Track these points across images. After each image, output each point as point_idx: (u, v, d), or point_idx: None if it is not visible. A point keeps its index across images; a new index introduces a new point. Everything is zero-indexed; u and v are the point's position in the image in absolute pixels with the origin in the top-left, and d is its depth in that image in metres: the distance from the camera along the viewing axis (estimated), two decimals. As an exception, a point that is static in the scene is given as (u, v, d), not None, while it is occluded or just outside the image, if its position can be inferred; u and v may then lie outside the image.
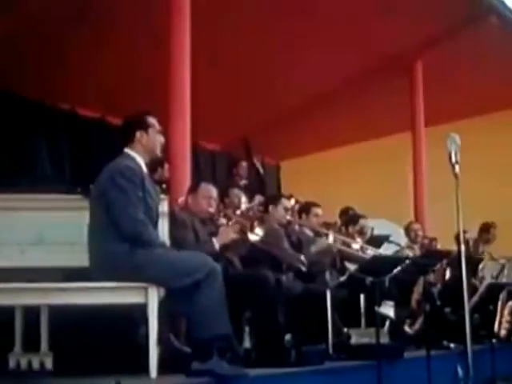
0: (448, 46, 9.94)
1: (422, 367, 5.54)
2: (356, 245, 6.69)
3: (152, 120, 4.47)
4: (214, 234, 5.19)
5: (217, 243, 5.09)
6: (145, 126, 4.41)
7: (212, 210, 5.43)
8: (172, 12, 6.72)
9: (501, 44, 9.89)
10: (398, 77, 10.47)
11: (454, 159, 4.82)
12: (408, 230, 8.75)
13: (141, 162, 4.37)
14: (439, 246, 8.78)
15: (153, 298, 4.11)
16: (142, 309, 4.13)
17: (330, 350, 5.52)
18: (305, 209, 6.98)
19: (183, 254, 4.38)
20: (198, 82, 6.63)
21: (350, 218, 7.65)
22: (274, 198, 6.76)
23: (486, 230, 9.42)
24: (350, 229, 7.30)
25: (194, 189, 5.58)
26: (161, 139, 4.48)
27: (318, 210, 6.90)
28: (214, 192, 5.51)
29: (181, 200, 5.65)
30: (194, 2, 6.78)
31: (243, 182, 8.31)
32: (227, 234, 5.17)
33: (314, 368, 4.95)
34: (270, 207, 6.46)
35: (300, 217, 6.94)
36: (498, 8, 9.57)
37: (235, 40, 8.55)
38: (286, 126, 11.40)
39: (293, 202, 7.15)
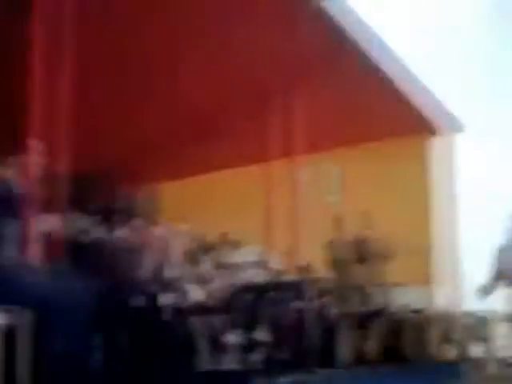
0: (319, 79, 10.19)
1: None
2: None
3: None
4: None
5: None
6: None
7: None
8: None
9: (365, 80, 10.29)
10: (272, 104, 10.59)
11: (327, 188, 5.01)
12: (285, 257, 8.87)
13: None
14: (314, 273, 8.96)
15: None
16: None
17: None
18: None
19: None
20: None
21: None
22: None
23: None
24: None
25: None
26: None
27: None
28: None
29: None
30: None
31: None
32: None
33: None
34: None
35: None
36: (358, 45, 9.94)
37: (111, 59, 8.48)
38: (166, 149, 11.37)
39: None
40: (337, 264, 9.50)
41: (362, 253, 9.55)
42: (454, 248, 12.44)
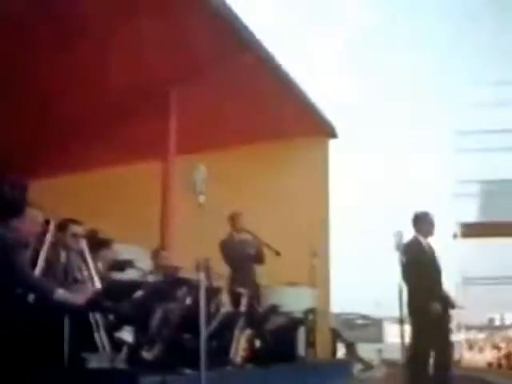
0: (203, 78, 10.18)
1: (156, 393, 5.57)
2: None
3: None
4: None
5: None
6: None
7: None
8: None
9: (255, 81, 10.36)
10: (152, 104, 10.53)
11: (198, 189, 4.97)
12: (154, 257, 8.82)
13: None
14: (184, 274, 8.93)
15: None
16: None
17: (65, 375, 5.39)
18: (62, 226, 6.66)
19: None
20: None
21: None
22: (60, 225, 6.51)
23: None
24: None
25: None
26: None
27: (77, 228, 6.68)
28: None
29: None
30: None
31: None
32: None
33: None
34: (58, 235, 6.29)
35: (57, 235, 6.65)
36: (254, 46, 10.00)
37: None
38: (38, 144, 11.08)
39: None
40: (231, 262, 9.55)
41: (252, 252, 9.65)
42: (326, 252, 12.73)
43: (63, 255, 6.47)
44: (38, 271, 5.75)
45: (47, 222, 6.19)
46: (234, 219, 9.73)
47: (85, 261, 6.53)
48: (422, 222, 7.89)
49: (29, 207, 5.74)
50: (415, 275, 7.64)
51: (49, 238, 6.06)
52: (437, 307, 7.46)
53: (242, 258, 9.60)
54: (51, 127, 10.79)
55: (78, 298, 5.45)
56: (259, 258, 9.76)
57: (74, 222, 6.72)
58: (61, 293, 5.37)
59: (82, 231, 6.74)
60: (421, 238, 7.85)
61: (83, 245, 6.64)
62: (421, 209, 8.05)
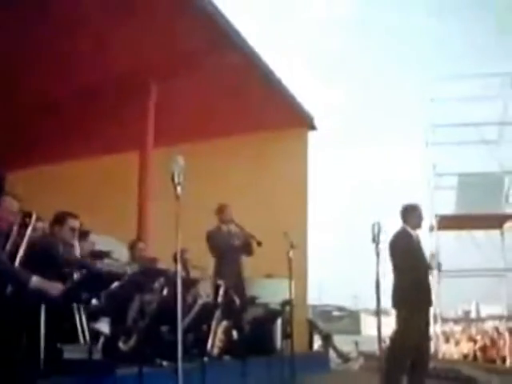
0: (184, 73, 10.19)
1: (134, 384, 5.59)
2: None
3: None
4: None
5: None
6: None
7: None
8: None
9: (236, 75, 10.38)
10: (132, 96, 10.51)
11: (176, 180, 4.95)
12: (131, 248, 8.80)
13: None
14: (161, 266, 8.93)
15: None
16: None
17: (42, 366, 5.36)
18: (59, 219, 6.58)
19: None
20: None
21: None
22: (59, 218, 6.46)
23: None
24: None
25: None
26: None
27: (75, 222, 6.58)
28: None
29: None
30: None
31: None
32: None
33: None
34: (56, 228, 6.24)
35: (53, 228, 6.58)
36: (236, 40, 10.01)
37: None
38: (14, 134, 11.01)
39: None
40: (216, 253, 9.56)
41: (239, 243, 9.65)
42: (304, 244, 12.77)
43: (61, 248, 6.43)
44: (17, 263, 5.68)
45: (29, 215, 6.12)
46: (221, 211, 9.73)
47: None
48: (412, 215, 7.83)
49: (5, 196, 5.68)
50: (404, 266, 7.56)
51: (30, 231, 5.98)
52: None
53: (229, 249, 9.61)
54: (28, 118, 10.74)
55: (54, 286, 5.40)
56: (247, 250, 9.76)
57: (72, 216, 6.59)
58: (35, 280, 5.31)
59: (78, 225, 6.66)
60: (409, 230, 7.79)
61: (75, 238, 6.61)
62: (407, 201, 7.92)
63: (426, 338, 7.90)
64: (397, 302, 7.65)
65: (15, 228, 5.79)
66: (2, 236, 5.46)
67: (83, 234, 7.39)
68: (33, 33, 8.40)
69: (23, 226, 5.90)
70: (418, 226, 7.92)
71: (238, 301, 8.97)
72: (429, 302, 7.84)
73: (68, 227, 6.48)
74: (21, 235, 5.86)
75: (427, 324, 7.94)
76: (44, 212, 6.78)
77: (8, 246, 5.64)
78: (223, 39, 9.76)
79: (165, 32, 9.04)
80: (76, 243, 6.65)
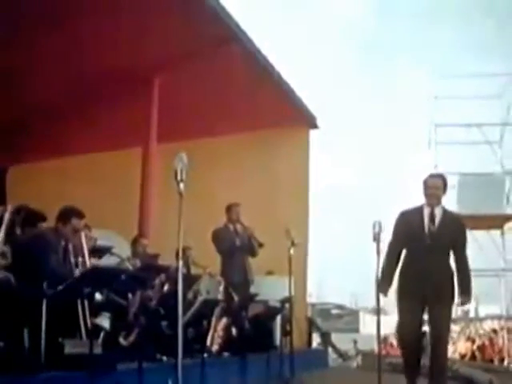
0: (187, 68, 10.18)
1: (134, 379, 5.61)
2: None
3: None
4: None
5: None
6: None
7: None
8: None
9: (238, 71, 10.38)
10: (135, 91, 10.51)
11: (179, 177, 4.97)
12: (134, 244, 8.81)
13: None
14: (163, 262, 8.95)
15: None
16: None
17: (43, 360, 5.40)
18: (64, 216, 6.47)
19: None
20: None
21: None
22: (63, 215, 6.40)
23: None
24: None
25: None
26: None
27: (79, 223, 6.47)
28: None
29: None
30: None
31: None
32: None
33: (23, 379, 4.82)
34: (60, 225, 6.23)
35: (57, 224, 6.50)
36: (240, 37, 10.01)
37: None
38: (18, 129, 11.03)
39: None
40: (222, 252, 9.61)
41: (245, 243, 9.69)
42: (305, 242, 12.79)
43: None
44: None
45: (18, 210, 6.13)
46: (229, 209, 9.78)
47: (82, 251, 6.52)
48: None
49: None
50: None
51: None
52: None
53: (234, 248, 9.67)
54: (31, 111, 10.76)
55: None
56: (251, 251, 9.80)
57: (77, 215, 6.46)
58: None
59: (83, 225, 6.59)
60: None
61: (82, 239, 6.57)
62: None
63: (433, 327, 6.89)
64: (401, 294, 7.19)
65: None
66: None
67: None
68: (33, 32, 8.41)
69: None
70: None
71: (236, 298, 9.03)
72: (421, 289, 6.91)
73: (71, 227, 6.38)
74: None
75: (432, 313, 6.92)
76: (48, 209, 6.82)
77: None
78: (228, 36, 9.76)
79: (168, 28, 9.05)
80: (83, 239, 6.60)
